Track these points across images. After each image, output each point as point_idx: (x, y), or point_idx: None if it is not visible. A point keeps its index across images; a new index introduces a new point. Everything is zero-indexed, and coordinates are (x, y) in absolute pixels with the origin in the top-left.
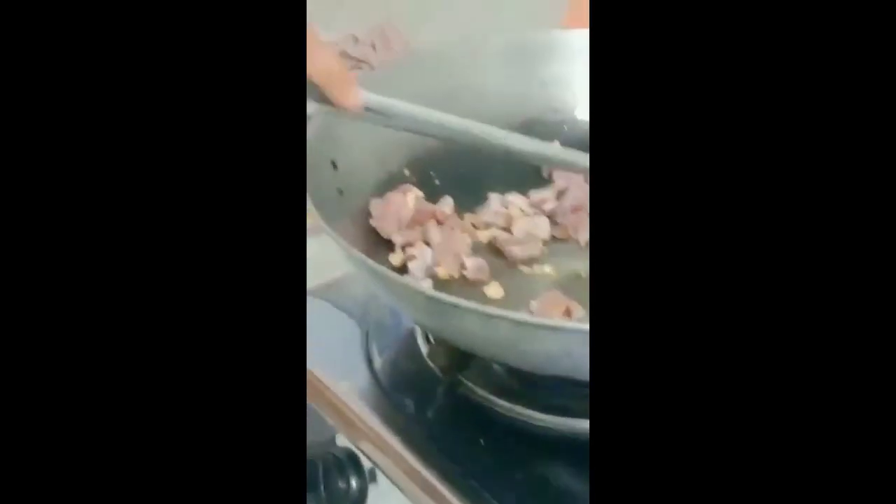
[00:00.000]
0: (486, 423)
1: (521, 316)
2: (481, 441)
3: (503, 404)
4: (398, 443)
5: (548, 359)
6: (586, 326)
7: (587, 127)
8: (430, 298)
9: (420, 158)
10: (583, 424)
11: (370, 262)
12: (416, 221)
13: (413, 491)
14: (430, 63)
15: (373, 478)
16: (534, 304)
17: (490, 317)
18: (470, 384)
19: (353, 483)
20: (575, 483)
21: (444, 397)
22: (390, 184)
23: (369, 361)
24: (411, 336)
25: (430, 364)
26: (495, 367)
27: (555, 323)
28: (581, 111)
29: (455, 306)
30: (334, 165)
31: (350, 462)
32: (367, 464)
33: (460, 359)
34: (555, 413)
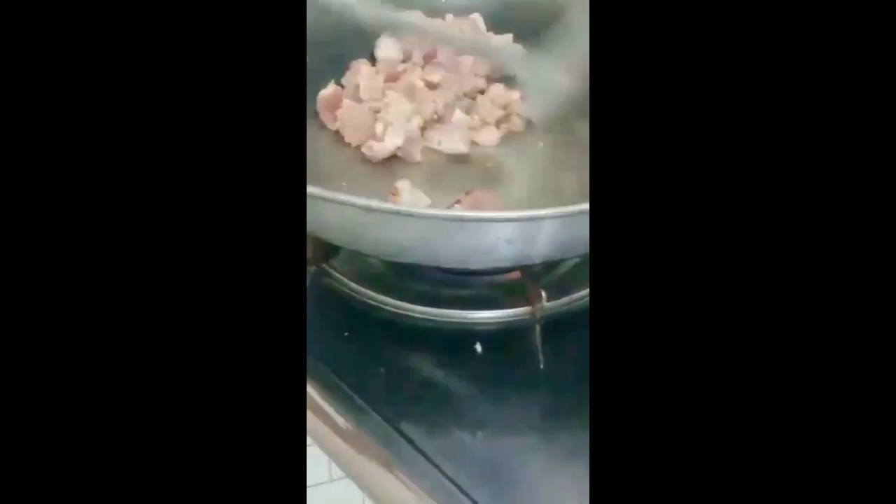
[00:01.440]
0: (352, 315)
1: (370, 202)
2: (345, 333)
3: (371, 294)
4: None
5: (402, 247)
6: (440, 212)
7: None
8: None
9: None
10: (451, 312)
11: None
12: None
13: None
14: None
15: None
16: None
17: (341, 203)
18: (337, 274)
19: None
20: (437, 373)
21: (309, 288)
22: None
23: None
24: None
25: None
26: (367, 256)
27: (405, 209)
28: None
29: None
30: None
31: None
32: None
33: (327, 248)
34: (425, 303)
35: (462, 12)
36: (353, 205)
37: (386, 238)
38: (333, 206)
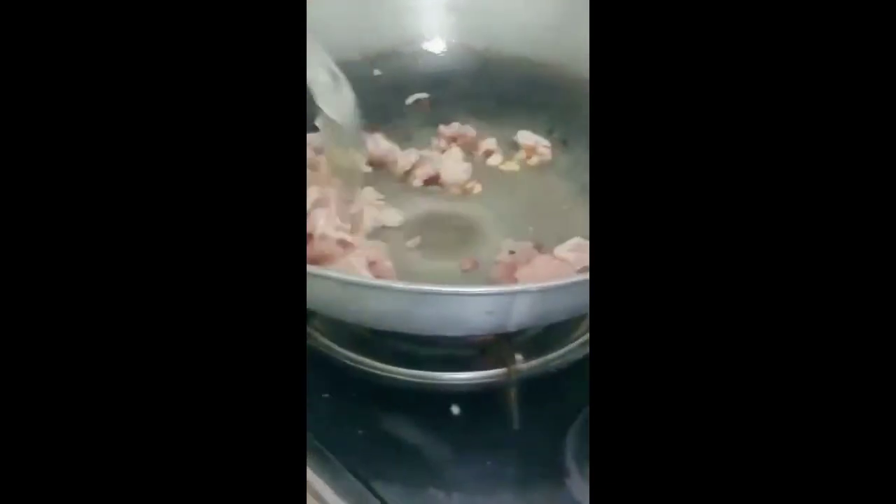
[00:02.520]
0: (331, 375)
1: (347, 276)
2: (324, 395)
3: (348, 354)
4: None
5: (380, 316)
6: (417, 286)
7: (439, 59)
8: None
9: None
10: (428, 374)
11: None
12: None
13: None
14: None
15: None
16: None
17: (316, 276)
18: (316, 333)
19: None
20: (418, 437)
21: None
22: None
23: None
24: None
25: None
26: None
27: (383, 284)
28: (432, 44)
29: None
30: None
31: None
32: None
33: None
34: (402, 363)
35: None
36: (330, 278)
37: (363, 309)
38: (311, 278)
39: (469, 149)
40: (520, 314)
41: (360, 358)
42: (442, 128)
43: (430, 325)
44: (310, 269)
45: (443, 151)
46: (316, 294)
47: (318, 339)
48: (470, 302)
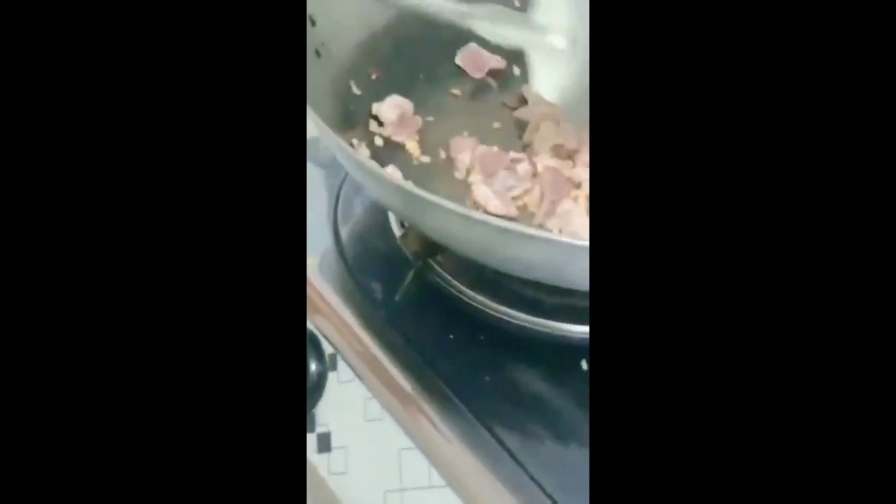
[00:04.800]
0: (456, 316)
1: (506, 223)
2: (451, 336)
3: (475, 297)
4: (361, 329)
5: (529, 266)
6: (572, 241)
7: None
8: (408, 193)
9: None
10: (556, 324)
11: (343, 145)
12: None
13: (374, 384)
14: None
15: (333, 364)
16: None
17: (472, 220)
18: (441, 271)
19: (313, 366)
20: (544, 387)
21: (412, 283)
22: (373, 46)
23: (336, 233)
24: (383, 211)
25: (402, 247)
26: None
27: (540, 234)
28: None
29: (435, 204)
30: (312, 21)
31: (311, 343)
32: (328, 348)
33: (433, 244)
34: (530, 311)
35: None
36: (488, 224)
37: (514, 257)
38: (459, 218)
39: None
40: None
41: (487, 301)
42: None
43: (577, 278)
44: (464, 211)
45: None
46: (460, 235)
47: (444, 276)
48: None
